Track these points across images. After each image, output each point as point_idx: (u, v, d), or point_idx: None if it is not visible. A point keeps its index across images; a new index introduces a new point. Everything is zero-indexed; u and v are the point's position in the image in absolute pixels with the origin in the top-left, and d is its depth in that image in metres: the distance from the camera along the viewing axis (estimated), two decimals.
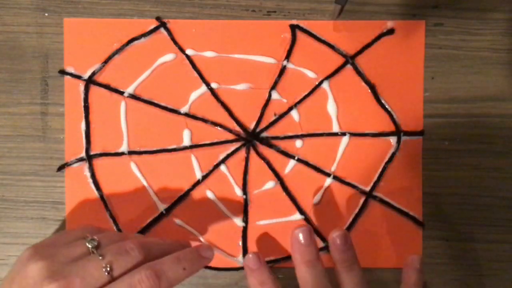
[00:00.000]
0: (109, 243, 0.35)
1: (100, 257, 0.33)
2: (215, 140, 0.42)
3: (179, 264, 0.35)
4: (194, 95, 0.42)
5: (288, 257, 0.41)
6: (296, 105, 0.42)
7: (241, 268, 0.42)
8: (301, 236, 0.38)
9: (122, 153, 0.41)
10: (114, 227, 0.41)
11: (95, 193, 0.41)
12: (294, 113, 0.42)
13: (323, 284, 0.38)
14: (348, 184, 0.42)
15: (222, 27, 0.42)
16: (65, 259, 0.33)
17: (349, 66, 0.42)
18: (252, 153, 0.42)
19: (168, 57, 0.41)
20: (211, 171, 0.42)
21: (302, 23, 0.42)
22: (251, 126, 0.42)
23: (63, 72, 0.41)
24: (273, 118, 0.42)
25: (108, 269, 0.33)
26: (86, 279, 0.32)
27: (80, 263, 0.33)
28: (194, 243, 0.40)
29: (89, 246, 0.34)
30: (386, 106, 0.42)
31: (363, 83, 0.42)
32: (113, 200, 0.42)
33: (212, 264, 0.41)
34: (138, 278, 0.33)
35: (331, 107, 0.42)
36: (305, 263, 0.38)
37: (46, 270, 0.32)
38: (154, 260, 0.34)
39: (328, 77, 0.42)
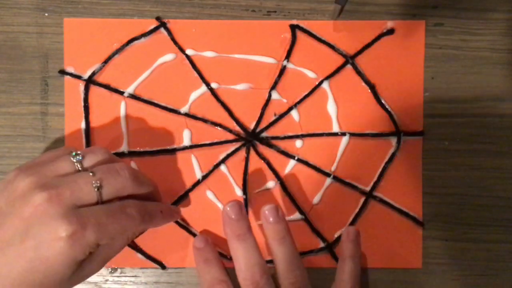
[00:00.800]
0: (95, 159, 0.35)
1: (91, 174, 0.33)
2: (215, 140, 0.42)
3: (160, 207, 0.38)
4: (194, 95, 0.42)
5: None
6: (296, 105, 0.42)
7: None
8: (231, 212, 0.38)
9: (122, 153, 0.41)
10: None
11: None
12: (294, 113, 0.42)
13: (253, 256, 0.38)
14: (348, 184, 0.42)
15: (222, 27, 0.42)
16: (52, 174, 0.33)
17: (349, 66, 0.42)
18: (252, 153, 0.42)
19: (168, 57, 0.41)
20: (211, 171, 0.42)
21: (302, 23, 0.42)
22: (251, 126, 0.42)
23: (63, 72, 0.41)
24: (273, 118, 0.42)
25: (98, 185, 0.33)
26: (76, 193, 0.32)
27: (70, 177, 0.33)
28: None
29: (74, 160, 0.34)
30: (386, 106, 0.42)
31: (363, 83, 0.42)
32: None
33: None
34: (128, 203, 0.34)
35: (331, 107, 0.42)
36: (236, 237, 0.38)
37: (35, 183, 0.32)
38: (139, 188, 0.35)
39: (328, 77, 0.42)
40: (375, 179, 0.42)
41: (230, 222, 0.38)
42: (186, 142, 0.42)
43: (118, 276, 0.42)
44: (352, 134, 0.42)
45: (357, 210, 0.42)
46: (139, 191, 0.36)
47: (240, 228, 0.38)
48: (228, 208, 0.38)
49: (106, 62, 0.41)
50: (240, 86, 0.42)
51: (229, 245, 0.39)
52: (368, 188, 0.42)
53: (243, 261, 0.38)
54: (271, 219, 0.39)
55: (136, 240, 0.41)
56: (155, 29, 0.41)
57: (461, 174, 0.42)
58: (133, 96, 0.41)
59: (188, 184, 0.42)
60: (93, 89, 0.41)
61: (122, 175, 0.34)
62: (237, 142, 0.42)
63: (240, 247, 0.38)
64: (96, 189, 0.33)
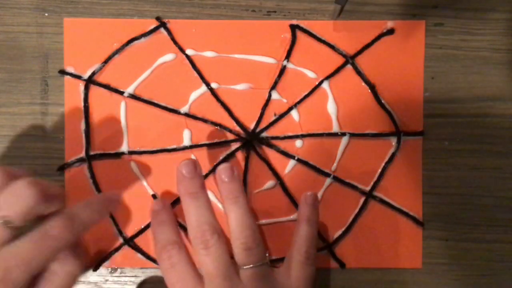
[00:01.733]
0: None
1: None
2: (215, 140, 0.42)
3: (90, 207, 0.35)
4: (194, 95, 0.42)
5: None
6: (296, 105, 0.42)
7: None
8: (184, 169, 0.38)
9: (122, 153, 0.41)
10: (114, 227, 0.41)
11: (95, 193, 0.41)
12: (294, 113, 0.42)
13: (205, 215, 0.37)
14: (348, 184, 0.42)
15: (222, 27, 0.42)
16: None
17: (349, 66, 0.42)
18: (252, 153, 0.42)
19: (168, 57, 0.41)
20: (211, 171, 0.42)
21: (302, 23, 0.42)
22: (251, 126, 0.42)
23: (63, 72, 0.41)
24: (273, 118, 0.42)
25: (7, 220, 0.31)
26: None
27: None
28: None
29: None
30: (386, 106, 0.42)
31: (363, 83, 0.42)
32: None
33: None
34: (50, 224, 0.32)
35: (331, 107, 0.42)
36: (189, 195, 0.38)
37: None
38: (50, 204, 0.33)
39: (328, 77, 0.42)
40: (375, 179, 0.42)
41: (183, 180, 0.38)
42: (186, 142, 0.42)
43: (118, 276, 0.42)
44: (352, 134, 0.42)
45: (357, 210, 0.42)
46: (50, 208, 0.33)
47: (193, 186, 0.38)
48: (182, 166, 0.38)
49: (106, 62, 0.41)
50: (240, 86, 0.42)
51: (182, 203, 0.38)
52: (368, 188, 0.42)
53: (194, 219, 0.37)
54: (226, 179, 0.39)
55: (136, 240, 0.41)
56: (155, 29, 0.41)
57: (461, 174, 0.42)
58: (133, 96, 0.41)
59: None
60: (93, 89, 0.41)
61: (26, 197, 0.31)
62: (237, 142, 0.42)
63: (192, 205, 0.38)
64: (5, 226, 0.31)
